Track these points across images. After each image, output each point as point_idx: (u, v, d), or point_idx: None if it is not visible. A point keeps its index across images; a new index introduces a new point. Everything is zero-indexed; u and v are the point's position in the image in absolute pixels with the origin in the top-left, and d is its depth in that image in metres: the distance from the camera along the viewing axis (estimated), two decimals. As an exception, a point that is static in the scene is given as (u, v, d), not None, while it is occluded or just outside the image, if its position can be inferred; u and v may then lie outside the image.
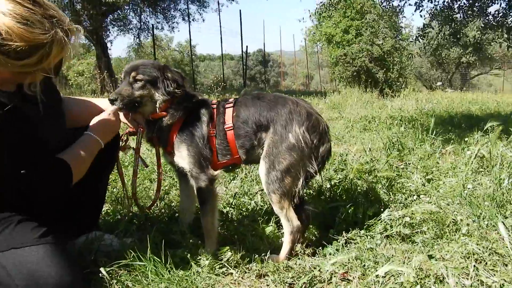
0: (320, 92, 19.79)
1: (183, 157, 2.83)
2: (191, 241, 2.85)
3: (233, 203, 3.64)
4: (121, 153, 3.07)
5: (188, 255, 2.66)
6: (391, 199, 3.55)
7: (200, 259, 2.64)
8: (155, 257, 2.46)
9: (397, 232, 2.98)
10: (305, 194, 3.10)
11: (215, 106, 2.93)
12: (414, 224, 3.06)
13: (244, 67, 26.64)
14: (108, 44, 19.27)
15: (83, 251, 2.67)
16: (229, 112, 2.86)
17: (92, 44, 19.64)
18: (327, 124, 2.90)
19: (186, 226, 3.06)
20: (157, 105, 2.80)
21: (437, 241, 2.86)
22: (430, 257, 2.54)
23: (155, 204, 3.41)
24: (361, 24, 19.73)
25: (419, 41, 10.17)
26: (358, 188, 3.77)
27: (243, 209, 3.60)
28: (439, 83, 22.70)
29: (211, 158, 2.86)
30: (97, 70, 18.22)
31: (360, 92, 15.01)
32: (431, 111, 10.48)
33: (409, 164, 4.64)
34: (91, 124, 2.60)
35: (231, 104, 2.89)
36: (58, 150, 2.39)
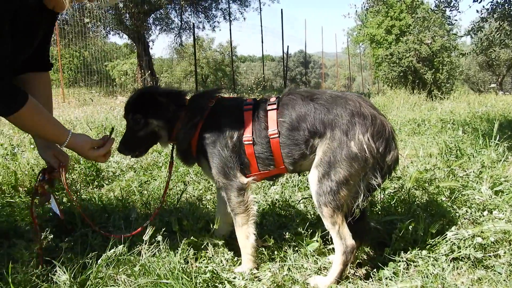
0: (363, 93, 19.13)
1: (208, 167, 2.56)
2: (224, 256, 2.51)
3: (273, 213, 3.26)
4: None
5: (222, 274, 2.33)
6: (456, 214, 3.06)
7: (235, 279, 2.30)
8: (184, 276, 2.13)
9: (465, 255, 2.53)
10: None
11: (250, 107, 2.51)
12: (486, 246, 2.60)
13: (285, 68, 26.20)
14: (150, 44, 19.32)
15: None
16: (272, 116, 2.43)
17: (134, 44, 19.80)
18: (392, 127, 2.43)
19: (220, 238, 2.72)
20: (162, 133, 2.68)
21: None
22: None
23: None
24: (405, 23, 18.90)
25: (472, 37, 9.43)
26: (417, 199, 3.30)
27: (283, 220, 3.21)
28: (493, 85, 21.24)
29: (244, 167, 2.52)
30: (139, 70, 18.30)
31: (406, 93, 14.25)
32: (485, 114, 9.73)
33: (469, 173, 4.08)
34: (80, 134, 2.44)
35: (274, 106, 2.45)
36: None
